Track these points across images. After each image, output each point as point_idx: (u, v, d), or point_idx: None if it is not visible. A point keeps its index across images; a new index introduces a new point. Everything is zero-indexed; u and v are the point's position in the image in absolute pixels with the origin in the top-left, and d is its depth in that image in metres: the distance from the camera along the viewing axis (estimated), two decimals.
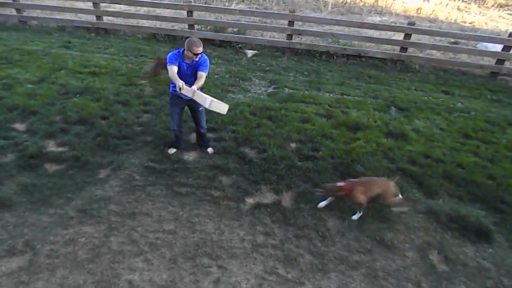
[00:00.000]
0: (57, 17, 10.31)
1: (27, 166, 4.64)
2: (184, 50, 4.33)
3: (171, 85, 4.62)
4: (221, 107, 4.23)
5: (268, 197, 4.41)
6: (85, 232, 3.79)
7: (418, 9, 14.11)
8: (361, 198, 4.02)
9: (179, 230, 3.88)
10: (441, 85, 7.96)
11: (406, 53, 8.77)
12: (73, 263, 3.45)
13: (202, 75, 4.40)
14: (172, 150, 5.03)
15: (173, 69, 4.31)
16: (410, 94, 7.34)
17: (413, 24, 8.53)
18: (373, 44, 9.34)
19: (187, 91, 4.19)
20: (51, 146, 5.06)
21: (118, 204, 4.16)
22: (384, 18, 12.78)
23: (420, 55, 9.12)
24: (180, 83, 4.17)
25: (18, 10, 10.11)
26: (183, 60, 4.39)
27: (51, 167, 4.67)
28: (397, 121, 6.16)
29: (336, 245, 3.83)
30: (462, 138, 5.85)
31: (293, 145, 5.38)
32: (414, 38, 8.89)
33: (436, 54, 9.44)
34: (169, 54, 4.40)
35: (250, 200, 4.34)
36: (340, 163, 5.02)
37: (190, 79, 4.40)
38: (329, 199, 4.21)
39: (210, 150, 5.11)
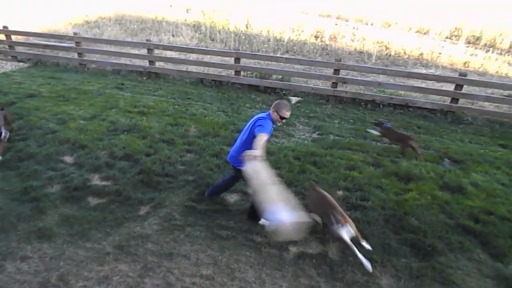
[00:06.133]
0: (113, 61, 11.02)
1: (70, 197, 4.66)
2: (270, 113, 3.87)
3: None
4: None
5: (313, 247, 4.07)
6: (120, 270, 3.62)
7: (465, 62, 13.78)
8: None
9: (217, 276, 3.61)
10: (497, 138, 7.43)
11: (457, 104, 8.39)
12: None
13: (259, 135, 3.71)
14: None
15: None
16: (464, 146, 6.88)
17: (465, 75, 8.24)
18: (420, 94, 9.06)
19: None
20: (96, 180, 5.08)
21: (156, 243, 3.99)
22: (430, 71, 12.53)
23: (472, 107, 8.68)
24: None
25: (79, 54, 10.96)
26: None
27: (93, 200, 4.66)
28: (452, 174, 5.71)
29: None
30: None
31: (339, 192, 5.07)
32: (465, 90, 8.54)
33: (489, 107, 8.96)
34: (263, 122, 3.80)
35: (293, 249, 4.02)
36: (392, 215, 4.62)
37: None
38: None
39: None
